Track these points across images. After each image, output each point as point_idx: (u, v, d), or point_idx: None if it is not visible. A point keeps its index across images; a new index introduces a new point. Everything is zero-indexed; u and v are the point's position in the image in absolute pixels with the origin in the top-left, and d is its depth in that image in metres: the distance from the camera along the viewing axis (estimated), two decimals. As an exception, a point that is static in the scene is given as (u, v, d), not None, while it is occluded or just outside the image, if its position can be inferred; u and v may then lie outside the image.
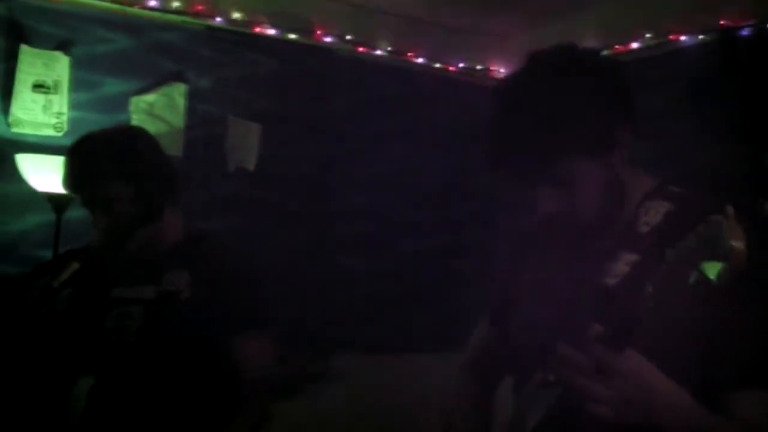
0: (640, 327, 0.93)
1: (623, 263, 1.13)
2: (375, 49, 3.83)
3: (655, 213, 1.14)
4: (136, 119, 3.18)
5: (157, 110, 3.24)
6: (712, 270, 0.85)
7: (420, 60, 3.97)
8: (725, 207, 0.85)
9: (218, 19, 3.39)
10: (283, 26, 3.56)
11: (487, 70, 4.16)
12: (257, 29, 3.50)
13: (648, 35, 3.42)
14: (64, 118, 3.04)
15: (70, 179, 1.79)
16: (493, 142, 1.18)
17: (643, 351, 0.96)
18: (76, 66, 3.08)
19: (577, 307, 1.15)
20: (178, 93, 3.30)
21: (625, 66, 1.21)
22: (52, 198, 2.79)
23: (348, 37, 3.73)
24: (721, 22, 3.13)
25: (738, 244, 0.82)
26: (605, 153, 1.14)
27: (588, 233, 1.19)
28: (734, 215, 0.84)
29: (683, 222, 1.03)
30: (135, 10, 3.21)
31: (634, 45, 3.46)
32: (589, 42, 3.23)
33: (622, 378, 0.95)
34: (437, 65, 4.04)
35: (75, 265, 1.10)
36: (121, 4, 3.18)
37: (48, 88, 3.02)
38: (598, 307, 1.03)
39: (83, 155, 1.78)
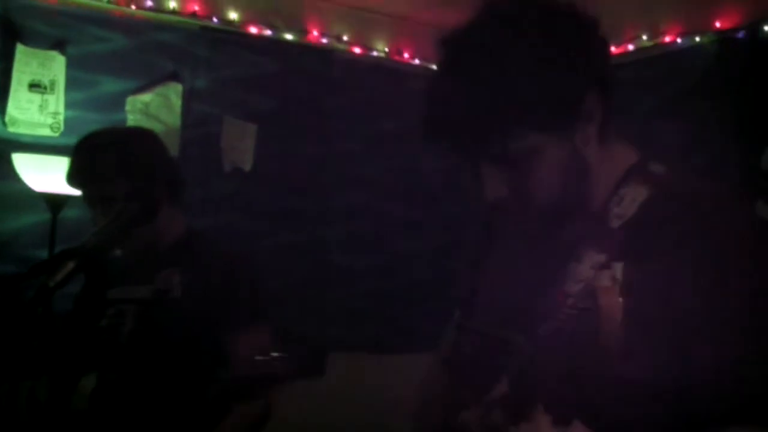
0: (551, 389, 0.79)
1: (588, 265, 0.93)
2: (371, 49, 3.84)
3: (629, 202, 0.94)
4: (133, 119, 3.18)
5: (153, 110, 3.24)
6: None
7: (415, 61, 3.98)
8: (614, 265, 0.80)
9: (214, 19, 3.40)
10: (278, 26, 3.57)
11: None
12: (253, 29, 3.51)
13: (643, 37, 3.43)
14: (61, 117, 3.04)
15: (72, 175, 1.81)
16: (429, 108, 0.96)
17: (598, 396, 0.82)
18: (71, 65, 3.08)
19: (524, 316, 0.97)
20: (174, 93, 3.30)
21: (597, 23, 0.98)
22: (48, 197, 2.80)
23: (344, 38, 3.74)
24: (717, 24, 3.14)
25: (610, 312, 0.80)
26: (566, 126, 0.93)
27: (544, 223, 0.97)
28: (621, 274, 0.82)
29: (659, 218, 0.90)
30: (131, 9, 3.22)
31: (630, 47, 3.47)
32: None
33: None
34: (433, 66, 4.04)
35: (71, 265, 1.10)
36: (117, 4, 3.19)
37: (44, 87, 3.02)
38: (510, 353, 0.87)
39: (88, 152, 1.80)
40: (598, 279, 0.80)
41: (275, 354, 1.05)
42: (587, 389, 0.83)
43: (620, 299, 0.78)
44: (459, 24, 0.96)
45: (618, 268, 0.79)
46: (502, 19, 0.92)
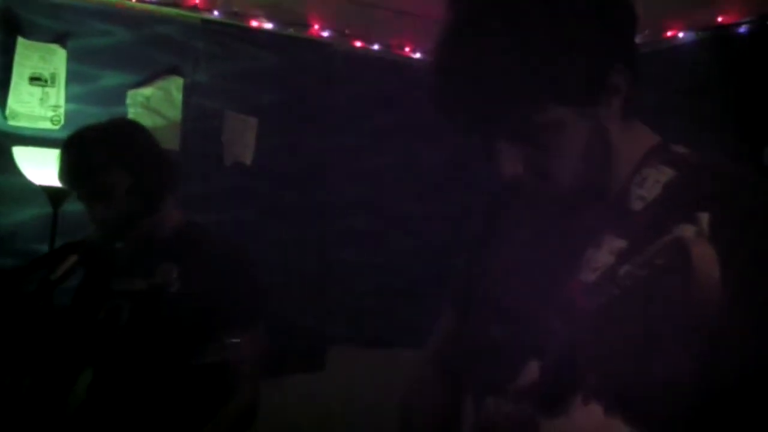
0: (585, 376, 0.72)
1: (606, 251, 0.84)
2: (371, 43, 3.83)
3: (653, 183, 0.87)
4: (133, 113, 3.18)
5: (154, 104, 3.24)
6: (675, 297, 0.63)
7: (417, 55, 3.97)
8: (699, 216, 0.64)
9: (215, 12, 3.39)
10: (279, 20, 3.56)
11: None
12: (254, 23, 3.50)
13: (645, 32, 3.42)
14: (61, 111, 3.04)
15: (67, 173, 1.79)
16: (439, 78, 0.86)
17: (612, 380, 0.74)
18: (72, 59, 3.08)
19: (540, 304, 0.89)
20: (174, 86, 3.29)
21: None
22: (48, 191, 2.79)
23: (345, 32, 3.73)
24: (719, 19, 3.14)
25: (705, 269, 0.60)
26: (589, 101, 0.84)
27: (563, 205, 0.89)
28: (708, 225, 0.64)
29: (687, 199, 0.81)
30: (132, 2, 3.21)
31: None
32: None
33: None
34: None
35: (73, 258, 1.11)
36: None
37: (45, 80, 3.01)
38: (540, 336, 0.80)
39: (80, 148, 1.78)
40: (679, 232, 0.65)
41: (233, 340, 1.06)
42: (633, 375, 0.74)
43: (713, 251, 0.62)
44: None
45: (704, 218, 0.65)
46: None
